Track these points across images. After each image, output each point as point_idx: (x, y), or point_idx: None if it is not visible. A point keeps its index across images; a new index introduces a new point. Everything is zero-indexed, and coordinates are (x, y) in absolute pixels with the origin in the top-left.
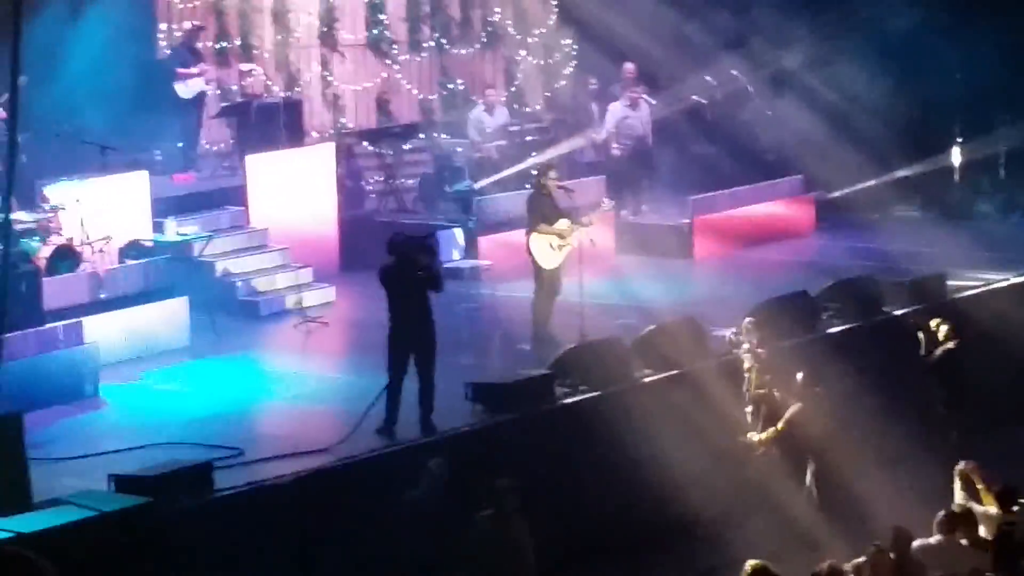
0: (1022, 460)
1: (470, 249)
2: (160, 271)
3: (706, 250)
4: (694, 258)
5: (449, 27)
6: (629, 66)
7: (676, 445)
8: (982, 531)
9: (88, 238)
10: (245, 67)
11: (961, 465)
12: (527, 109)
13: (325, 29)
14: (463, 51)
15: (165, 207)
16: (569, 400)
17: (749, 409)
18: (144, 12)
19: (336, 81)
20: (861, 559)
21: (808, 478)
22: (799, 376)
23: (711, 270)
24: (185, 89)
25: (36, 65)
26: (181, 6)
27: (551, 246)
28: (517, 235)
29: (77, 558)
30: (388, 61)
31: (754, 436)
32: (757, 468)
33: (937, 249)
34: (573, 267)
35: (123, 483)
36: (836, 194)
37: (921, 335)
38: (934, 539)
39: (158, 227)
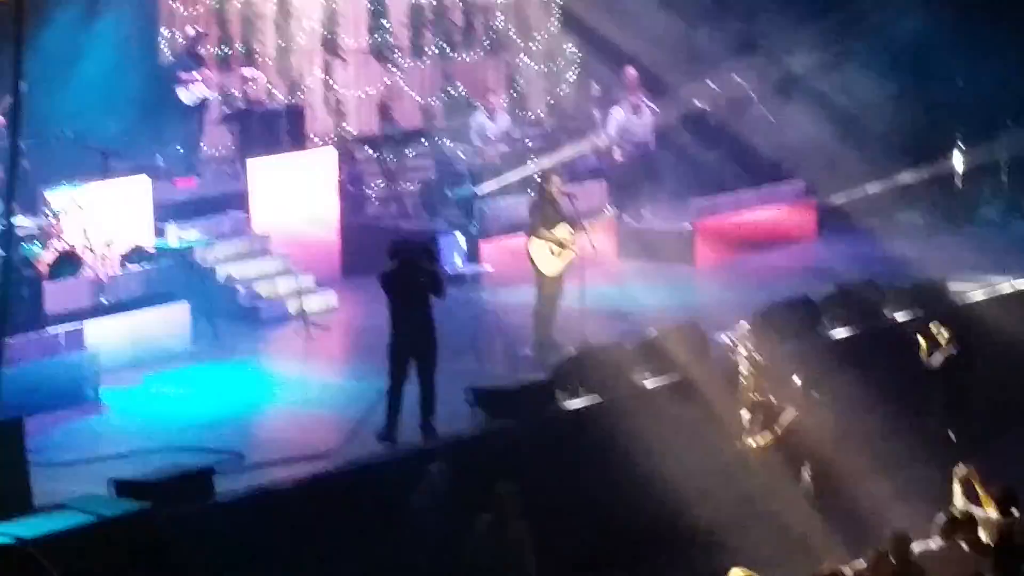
0: (1023, 465)
1: (472, 254)
2: (162, 276)
3: (708, 255)
4: (696, 263)
5: (451, 33)
6: (631, 71)
7: (678, 450)
8: (982, 535)
9: (90, 243)
10: (247, 73)
11: (960, 469)
12: (529, 115)
13: (327, 35)
14: (466, 57)
15: (167, 212)
16: (571, 406)
17: (744, 413)
18: (147, 18)
19: (338, 87)
20: (861, 563)
21: (805, 482)
22: (796, 381)
23: (713, 275)
24: (187, 94)
25: (38, 71)
26: (184, 12)
27: (551, 252)
28: (519, 240)
29: (77, 563)
30: (390, 67)
31: (751, 441)
32: (756, 473)
33: (939, 255)
34: (575, 272)
35: (123, 488)
36: (838, 200)
37: (922, 341)
38: (934, 543)
39: (160, 232)
